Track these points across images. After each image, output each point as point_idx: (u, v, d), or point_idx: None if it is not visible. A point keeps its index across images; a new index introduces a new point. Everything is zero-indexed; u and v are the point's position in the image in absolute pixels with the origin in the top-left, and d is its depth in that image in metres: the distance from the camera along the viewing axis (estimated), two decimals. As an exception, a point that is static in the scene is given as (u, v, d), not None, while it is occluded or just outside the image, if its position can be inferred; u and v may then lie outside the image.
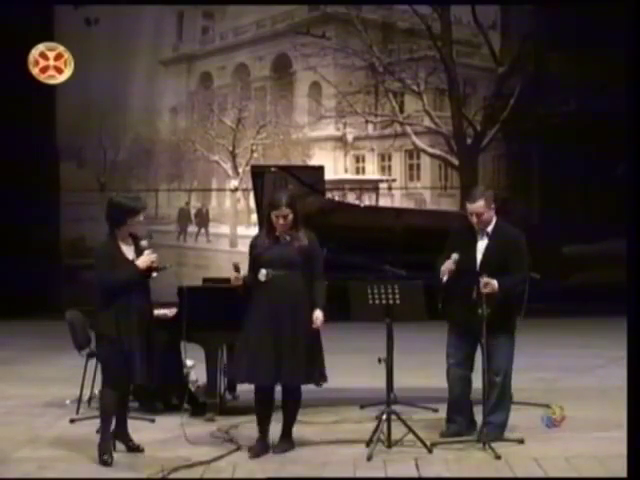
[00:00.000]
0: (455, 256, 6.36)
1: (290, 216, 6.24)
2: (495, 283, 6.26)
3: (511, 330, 6.54)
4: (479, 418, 6.53)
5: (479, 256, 6.48)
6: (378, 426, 6.31)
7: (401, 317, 6.37)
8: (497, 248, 6.45)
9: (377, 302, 6.30)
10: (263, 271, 6.22)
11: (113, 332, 6.11)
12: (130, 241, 6.23)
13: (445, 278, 6.37)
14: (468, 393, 6.70)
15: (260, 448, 6.24)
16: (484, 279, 6.25)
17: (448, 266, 6.36)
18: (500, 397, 6.53)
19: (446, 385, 6.77)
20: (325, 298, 6.31)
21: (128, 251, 6.21)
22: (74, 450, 6.33)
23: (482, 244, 6.51)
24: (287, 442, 6.39)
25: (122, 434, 6.36)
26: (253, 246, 6.41)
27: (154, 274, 6.23)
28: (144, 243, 6.22)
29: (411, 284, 6.37)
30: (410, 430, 6.40)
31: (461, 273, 6.40)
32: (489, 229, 6.51)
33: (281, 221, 6.24)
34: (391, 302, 6.27)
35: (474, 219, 6.46)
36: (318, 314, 6.24)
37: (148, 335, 6.21)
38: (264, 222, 6.49)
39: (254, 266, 6.31)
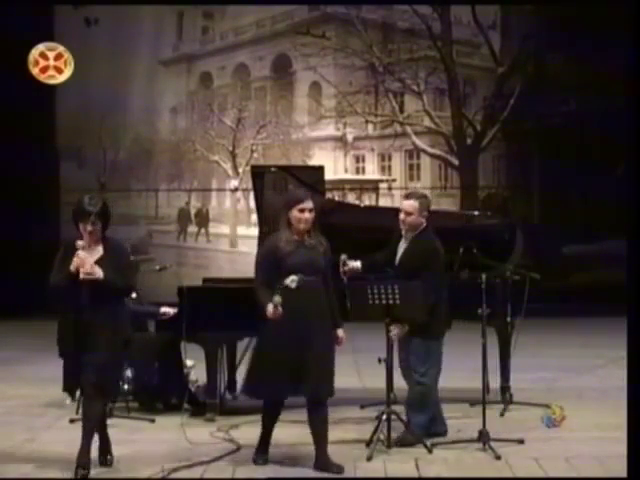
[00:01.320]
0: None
1: (313, 211, 5.91)
2: (355, 265, 6.65)
3: (429, 332, 6.44)
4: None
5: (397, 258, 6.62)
6: (378, 426, 6.29)
7: (401, 317, 6.37)
8: (412, 252, 6.54)
9: (377, 302, 6.28)
10: (294, 277, 5.71)
11: (58, 337, 5.94)
12: (100, 243, 5.73)
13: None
14: None
15: (265, 458, 6.05)
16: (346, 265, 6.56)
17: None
18: (420, 398, 6.51)
19: (445, 385, 6.81)
20: None
21: (88, 254, 5.66)
22: (74, 450, 6.30)
23: (403, 247, 6.61)
24: (332, 461, 5.91)
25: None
26: (276, 249, 5.83)
27: (81, 276, 5.56)
28: (79, 243, 5.64)
29: (411, 284, 6.36)
30: (410, 430, 6.40)
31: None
32: (412, 235, 6.57)
33: (307, 214, 5.82)
34: (391, 302, 6.26)
35: (402, 216, 6.56)
36: (342, 334, 6.04)
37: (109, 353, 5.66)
38: (282, 223, 5.92)
39: (279, 271, 5.77)
